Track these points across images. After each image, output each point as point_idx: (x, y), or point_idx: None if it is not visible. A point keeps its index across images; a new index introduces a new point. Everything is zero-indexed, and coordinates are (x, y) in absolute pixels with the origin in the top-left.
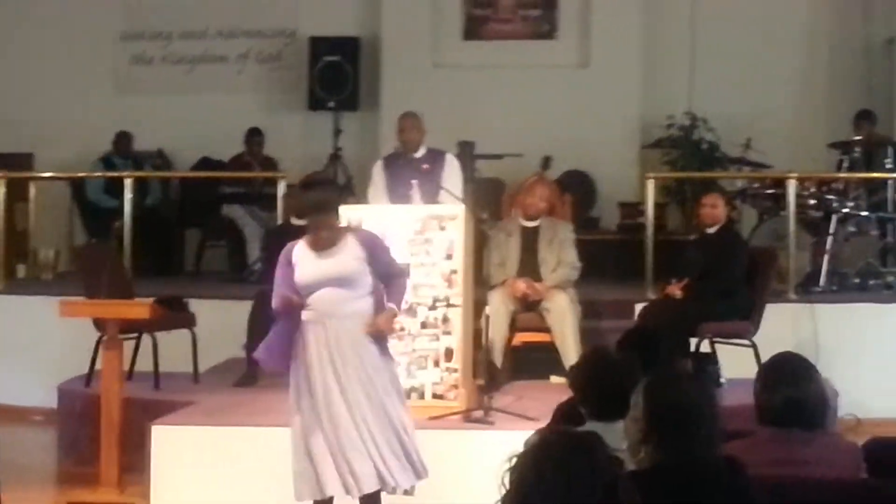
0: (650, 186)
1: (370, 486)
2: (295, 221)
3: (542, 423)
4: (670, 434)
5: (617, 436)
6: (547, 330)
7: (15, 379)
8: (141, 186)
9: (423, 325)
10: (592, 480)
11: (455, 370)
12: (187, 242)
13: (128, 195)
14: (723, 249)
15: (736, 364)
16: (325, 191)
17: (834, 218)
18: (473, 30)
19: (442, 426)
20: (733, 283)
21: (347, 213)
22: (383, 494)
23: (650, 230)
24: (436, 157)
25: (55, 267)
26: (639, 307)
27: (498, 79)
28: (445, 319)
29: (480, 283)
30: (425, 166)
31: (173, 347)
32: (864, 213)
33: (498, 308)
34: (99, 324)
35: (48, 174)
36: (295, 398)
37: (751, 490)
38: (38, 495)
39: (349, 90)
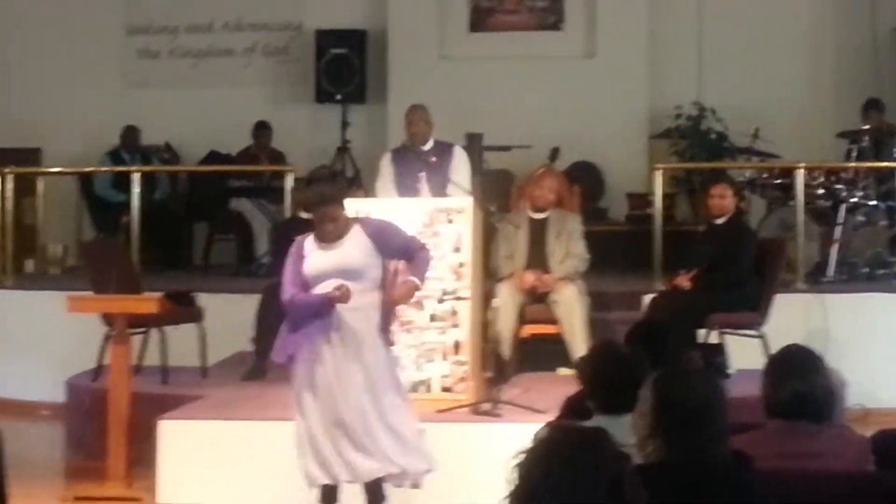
0: (658, 177)
1: (369, 476)
2: (303, 215)
3: (551, 416)
4: (678, 430)
5: (625, 429)
6: (555, 322)
7: (23, 373)
8: (149, 180)
9: (432, 318)
10: (599, 477)
11: (463, 363)
12: (195, 236)
13: (135, 189)
14: (731, 240)
15: (745, 355)
16: (325, 185)
17: (843, 207)
18: (480, 22)
19: (450, 419)
20: (742, 273)
21: (356, 206)
22: (393, 488)
23: (658, 221)
24: (444, 149)
25: (63, 262)
26: (647, 298)
27: (505, 70)
28: (454, 312)
29: (489, 275)
30: (433, 159)
31: (181, 342)
32: (873, 203)
33: (506, 300)
34: (107, 318)
35: (56, 169)
36: (298, 388)
37: (757, 486)
38: (45, 489)
39: (356, 83)
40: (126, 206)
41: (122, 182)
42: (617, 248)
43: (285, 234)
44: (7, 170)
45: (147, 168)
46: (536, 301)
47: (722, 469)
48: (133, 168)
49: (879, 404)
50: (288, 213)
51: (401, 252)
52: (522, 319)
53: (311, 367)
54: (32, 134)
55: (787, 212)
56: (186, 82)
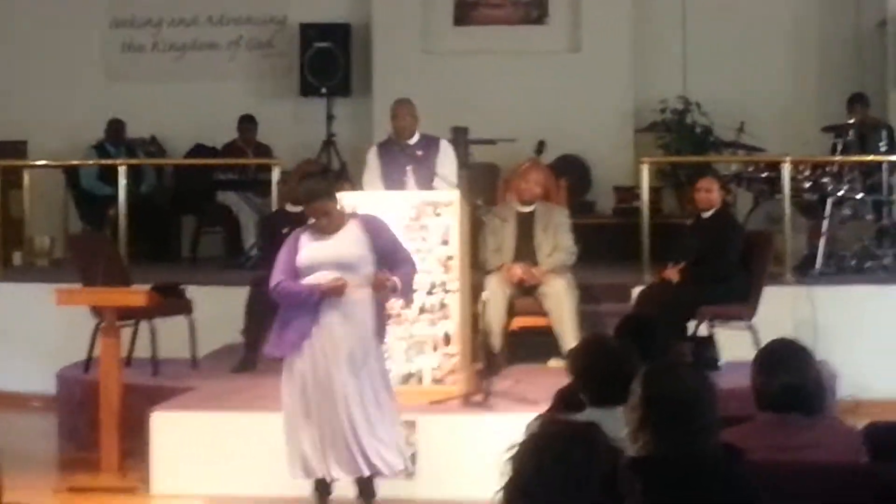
0: (645, 171)
1: (347, 475)
2: (290, 208)
3: (542, 407)
4: (666, 424)
5: (617, 422)
6: (544, 314)
7: (13, 365)
8: (135, 173)
9: (421, 311)
10: (592, 471)
11: (453, 355)
12: (183, 229)
13: (122, 182)
14: (718, 233)
15: (734, 347)
16: (316, 180)
17: (829, 201)
18: (464, 15)
19: (441, 411)
20: (729, 266)
21: (345, 200)
22: (385, 480)
23: (646, 214)
24: (430, 143)
25: (51, 254)
26: (636, 291)
27: (490, 64)
28: (443, 305)
29: (477, 268)
30: (419, 153)
31: (171, 334)
32: (860, 196)
33: (495, 293)
34: (96, 311)
35: (42, 162)
36: (287, 378)
37: (748, 478)
38: (38, 481)
39: (341, 76)
40: (112, 198)
41: (109, 175)
42: (604, 241)
43: (272, 227)
44: None
45: (133, 161)
46: (525, 294)
47: (712, 462)
48: (119, 161)
49: (869, 395)
50: (275, 206)
51: (388, 254)
52: (512, 312)
53: (301, 361)
54: (18, 127)
55: (774, 205)
56: (171, 76)
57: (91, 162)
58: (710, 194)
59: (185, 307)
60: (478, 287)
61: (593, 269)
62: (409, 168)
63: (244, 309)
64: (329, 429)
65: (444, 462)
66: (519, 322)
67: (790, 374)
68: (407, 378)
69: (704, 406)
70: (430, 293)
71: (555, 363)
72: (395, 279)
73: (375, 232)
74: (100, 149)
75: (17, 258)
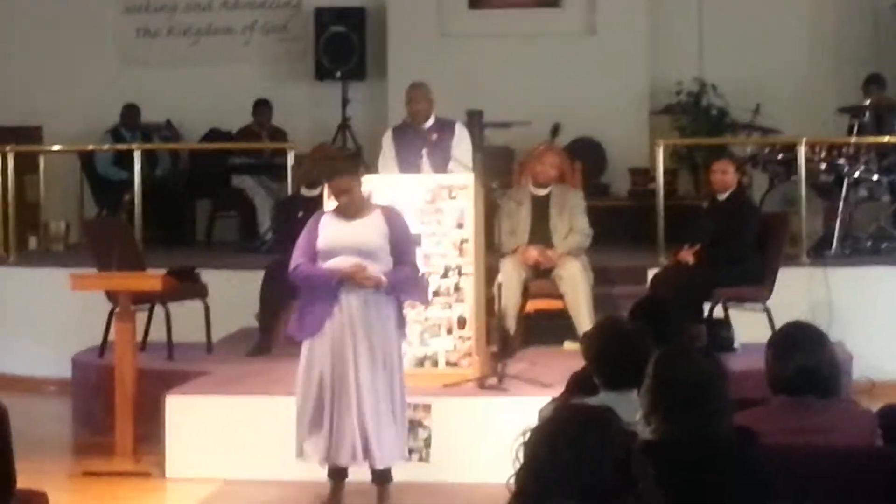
0: (660, 153)
1: (352, 462)
2: (305, 192)
3: (556, 390)
4: (679, 408)
5: (631, 406)
6: (559, 297)
7: (29, 350)
8: (150, 158)
9: (436, 294)
10: (605, 455)
11: (468, 338)
12: (198, 213)
13: (137, 167)
14: (734, 215)
15: (750, 329)
16: (338, 158)
17: (845, 182)
18: None
19: (456, 393)
20: (745, 248)
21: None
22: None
23: (661, 196)
24: (445, 126)
25: (66, 239)
26: (651, 273)
27: (505, 47)
28: (457, 288)
29: (492, 251)
30: (434, 136)
31: (186, 318)
32: (875, 178)
33: (510, 276)
34: (111, 295)
35: (57, 147)
36: (305, 361)
37: (762, 461)
38: (53, 466)
39: (356, 60)
40: (128, 183)
41: (124, 160)
42: (620, 224)
43: (288, 212)
44: (8, 148)
45: (148, 146)
46: (540, 276)
47: (726, 445)
48: (134, 146)
49: (884, 376)
50: (290, 191)
51: (397, 249)
52: (527, 294)
53: (319, 345)
54: (33, 112)
55: (790, 187)
56: (185, 60)
57: (106, 147)
58: (725, 176)
59: (200, 291)
60: (493, 270)
61: (608, 251)
62: (424, 151)
63: (259, 293)
64: (338, 416)
65: (458, 445)
66: (534, 305)
67: (804, 357)
68: (421, 361)
69: (716, 390)
70: (444, 276)
71: (570, 346)
72: (381, 276)
73: (394, 225)
74: (115, 133)
75: (32, 243)
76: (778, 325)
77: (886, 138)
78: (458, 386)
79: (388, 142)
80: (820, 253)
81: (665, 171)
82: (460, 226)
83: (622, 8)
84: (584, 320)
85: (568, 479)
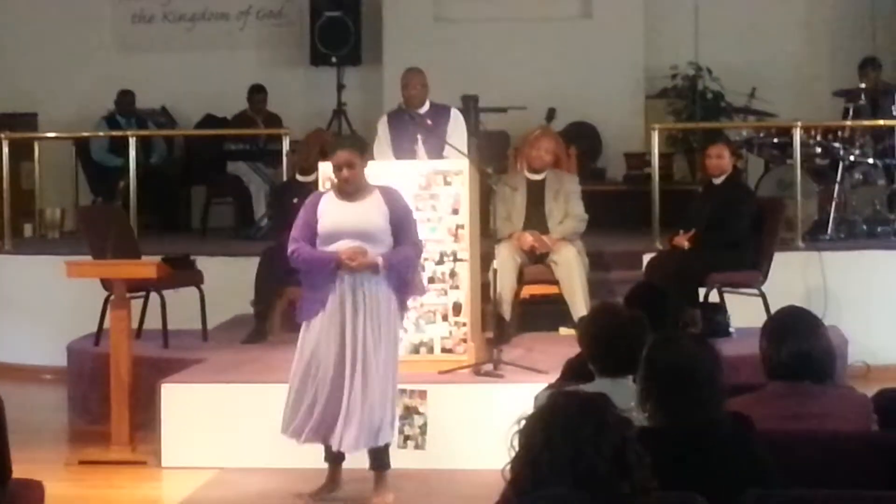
0: (655, 137)
1: (358, 446)
2: (300, 178)
3: (552, 376)
4: (672, 395)
5: (626, 392)
6: (555, 282)
7: (24, 338)
8: (145, 145)
9: (431, 280)
10: (601, 443)
11: (464, 324)
12: (193, 200)
13: (132, 154)
14: (730, 200)
15: (745, 313)
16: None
17: (841, 166)
18: None
19: (452, 380)
20: (741, 233)
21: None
22: (396, 450)
23: (656, 181)
24: (440, 112)
25: (61, 226)
26: (646, 258)
27: (501, 31)
28: (453, 274)
29: (487, 236)
30: (429, 122)
31: (181, 305)
32: (871, 161)
33: (505, 261)
34: (107, 283)
35: (52, 134)
36: (301, 340)
37: (757, 447)
38: (49, 454)
39: (351, 45)
40: (123, 170)
41: (119, 146)
42: (615, 208)
43: (283, 198)
44: (3, 135)
45: (143, 132)
46: (536, 262)
47: (721, 432)
48: (129, 132)
49: (880, 361)
50: (285, 177)
51: (398, 228)
52: (522, 280)
53: (315, 328)
54: (28, 99)
55: (785, 171)
56: (181, 46)
57: (101, 133)
58: (721, 160)
59: (195, 278)
60: (488, 256)
61: (604, 236)
62: (419, 137)
63: (254, 280)
64: (325, 398)
65: (454, 432)
66: (529, 290)
67: (799, 342)
68: (417, 347)
69: (710, 376)
70: (439, 262)
71: (566, 331)
72: (378, 257)
73: (394, 205)
74: (110, 120)
75: (27, 230)
76: (773, 309)
77: (882, 122)
78: (453, 372)
79: (383, 127)
80: (815, 237)
81: (660, 156)
82: (455, 211)
83: None
84: (580, 306)
85: (563, 466)
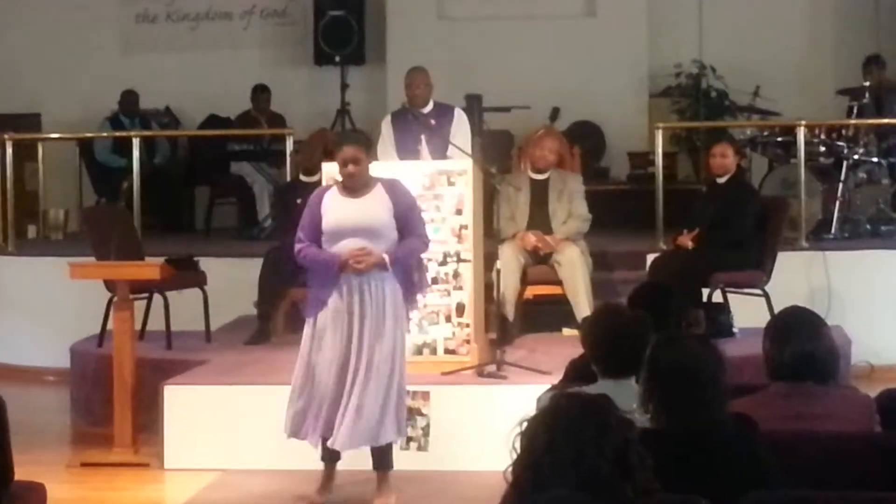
0: (659, 136)
1: (356, 445)
2: (304, 178)
3: (555, 377)
4: (675, 396)
5: (629, 393)
6: (558, 282)
7: (27, 339)
8: (149, 145)
9: (435, 281)
10: (603, 445)
11: (467, 325)
12: (197, 200)
13: (136, 154)
14: (733, 199)
15: (749, 313)
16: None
17: (844, 165)
18: None
19: (455, 381)
20: (744, 232)
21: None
22: (398, 451)
23: (660, 180)
24: (444, 111)
25: (65, 227)
26: (650, 258)
27: (504, 30)
28: (456, 274)
29: (491, 236)
30: (433, 121)
31: (185, 306)
32: (875, 160)
33: (509, 261)
34: (110, 284)
35: (56, 135)
36: (305, 337)
37: (760, 448)
38: (52, 456)
39: (355, 44)
40: (127, 170)
41: (123, 147)
42: (619, 208)
43: (287, 198)
44: (7, 136)
45: (146, 133)
46: (539, 262)
47: (724, 433)
48: (133, 133)
49: (883, 361)
50: (289, 177)
51: (403, 221)
52: (525, 280)
53: (320, 323)
54: (32, 99)
55: (789, 170)
56: (184, 46)
57: (105, 134)
58: (724, 159)
59: (198, 280)
60: (491, 256)
61: (607, 236)
62: (423, 137)
63: (258, 281)
64: (330, 397)
65: (457, 433)
66: (533, 291)
67: (802, 343)
68: (420, 348)
69: (712, 376)
70: (443, 263)
71: (569, 332)
72: (384, 255)
73: (397, 198)
74: (114, 120)
75: (31, 232)
76: (777, 309)
77: (886, 120)
78: (456, 374)
79: (386, 127)
80: (819, 236)
81: (664, 155)
82: (459, 212)
83: None
84: (583, 306)
85: (565, 468)
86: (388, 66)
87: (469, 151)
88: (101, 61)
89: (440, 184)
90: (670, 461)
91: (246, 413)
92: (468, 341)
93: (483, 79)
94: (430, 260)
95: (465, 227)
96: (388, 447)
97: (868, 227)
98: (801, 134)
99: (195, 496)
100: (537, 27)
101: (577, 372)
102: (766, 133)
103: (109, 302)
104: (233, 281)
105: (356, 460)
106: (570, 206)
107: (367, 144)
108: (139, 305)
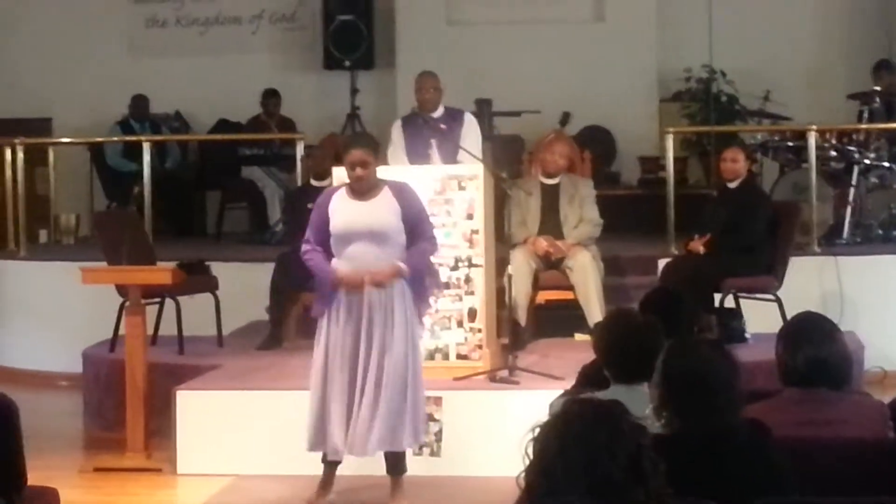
0: (670, 141)
1: (371, 450)
2: (315, 183)
3: (568, 382)
4: (688, 401)
5: (641, 399)
6: (570, 288)
7: (40, 344)
8: (159, 150)
9: (446, 286)
10: (615, 451)
11: (479, 330)
12: (208, 205)
13: (146, 159)
14: (745, 204)
15: (761, 318)
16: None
17: (856, 169)
18: None
19: (467, 386)
20: (756, 237)
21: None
22: (410, 454)
23: (671, 185)
24: (454, 116)
25: (76, 232)
26: (662, 263)
27: (514, 35)
28: (468, 280)
29: (502, 241)
30: (443, 126)
31: (196, 311)
32: (886, 164)
33: (520, 266)
34: (122, 289)
35: (66, 139)
36: (321, 353)
37: (774, 453)
38: (64, 461)
39: (364, 49)
40: (137, 175)
41: (133, 152)
42: (630, 213)
43: (297, 202)
44: (18, 140)
45: (157, 137)
46: (551, 267)
47: (737, 438)
48: (143, 137)
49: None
50: (299, 181)
51: (411, 226)
52: (537, 285)
53: (333, 333)
54: (42, 104)
55: (800, 174)
56: (194, 51)
57: (116, 139)
58: (735, 164)
59: (210, 284)
60: (503, 261)
61: (619, 241)
62: (433, 142)
63: (269, 286)
64: (345, 405)
65: (469, 438)
66: (544, 296)
67: (814, 348)
68: (432, 354)
69: (726, 382)
70: (454, 268)
71: (581, 337)
72: (401, 264)
73: (406, 201)
74: (124, 125)
75: (42, 236)
76: (789, 314)
77: None
78: (468, 379)
79: (397, 132)
80: (831, 241)
81: (675, 160)
82: (470, 217)
83: None
84: (595, 311)
85: (578, 474)
86: (397, 70)
87: (479, 156)
88: (111, 66)
89: (451, 188)
90: (683, 466)
91: (258, 418)
92: (480, 346)
93: (493, 83)
94: (441, 265)
95: (476, 231)
96: (402, 452)
97: (880, 231)
98: (811, 138)
99: (208, 501)
100: (547, 32)
101: (590, 377)
102: (776, 138)
103: (121, 307)
104: (244, 286)
105: (369, 465)
106: (582, 211)
107: (376, 147)
108: (151, 310)
